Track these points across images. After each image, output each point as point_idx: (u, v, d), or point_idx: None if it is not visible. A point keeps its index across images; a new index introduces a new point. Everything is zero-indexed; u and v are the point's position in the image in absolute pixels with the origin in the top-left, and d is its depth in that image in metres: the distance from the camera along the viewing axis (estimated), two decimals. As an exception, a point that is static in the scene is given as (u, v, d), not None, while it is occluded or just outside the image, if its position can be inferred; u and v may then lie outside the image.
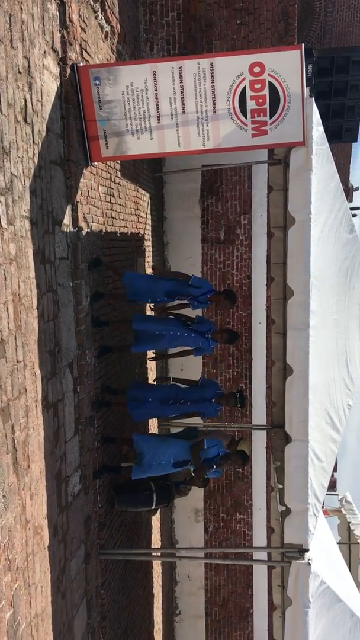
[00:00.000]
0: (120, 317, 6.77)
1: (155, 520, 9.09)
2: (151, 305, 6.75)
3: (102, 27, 6.14)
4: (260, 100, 5.07)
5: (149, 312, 7.60)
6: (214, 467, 6.36)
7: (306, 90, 5.06)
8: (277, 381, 7.55)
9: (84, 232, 5.39)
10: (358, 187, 21.56)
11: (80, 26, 5.30)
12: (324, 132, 5.33)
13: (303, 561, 5.38)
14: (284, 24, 8.61)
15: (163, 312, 7.25)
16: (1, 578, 3.51)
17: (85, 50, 5.46)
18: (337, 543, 12.47)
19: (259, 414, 10.53)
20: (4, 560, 3.55)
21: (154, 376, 9.03)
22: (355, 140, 14.60)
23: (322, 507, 5.92)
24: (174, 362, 10.20)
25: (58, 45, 4.76)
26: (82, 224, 5.32)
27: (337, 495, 17.56)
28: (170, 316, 6.67)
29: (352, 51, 11.79)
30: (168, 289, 6.22)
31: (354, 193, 21.32)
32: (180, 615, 11.55)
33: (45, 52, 4.45)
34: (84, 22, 5.46)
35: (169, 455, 6.17)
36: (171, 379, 7.91)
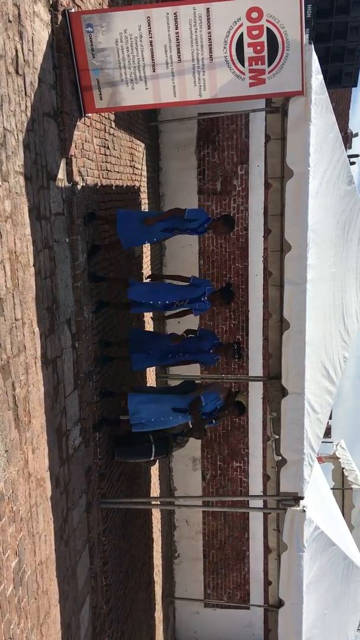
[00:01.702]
0: (117, 271, 6.75)
1: (154, 469, 9.31)
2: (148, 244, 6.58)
3: (93, -31, 5.88)
4: (258, 48, 4.91)
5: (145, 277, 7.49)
6: (213, 421, 6.50)
7: (305, 37, 4.89)
8: (273, 333, 7.61)
9: (79, 187, 5.31)
10: (357, 133, 21.16)
11: (71, -32, 5.08)
12: (323, 81, 5.19)
13: (298, 508, 5.56)
14: None
15: (158, 278, 7.19)
16: (6, 529, 3.62)
17: (77, -6, 5.25)
18: (331, 488, 12.86)
19: (255, 365, 10.64)
20: (8, 512, 3.66)
21: (152, 328, 9.07)
22: (355, 85, 14.18)
23: (317, 455, 6.07)
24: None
25: (48, -10, 4.57)
26: (77, 178, 5.23)
27: (332, 442, 17.91)
28: (165, 281, 6.62)
29: (353, -9, 11.37)
30: (164, 227, 6.11)
31: (353, 139, 20.94)
32: (179, 558, 11.95)
33: (35, -3, 4.28)
34: (75, -36, 5.23)
35: (167, 411, 6.29)
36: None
